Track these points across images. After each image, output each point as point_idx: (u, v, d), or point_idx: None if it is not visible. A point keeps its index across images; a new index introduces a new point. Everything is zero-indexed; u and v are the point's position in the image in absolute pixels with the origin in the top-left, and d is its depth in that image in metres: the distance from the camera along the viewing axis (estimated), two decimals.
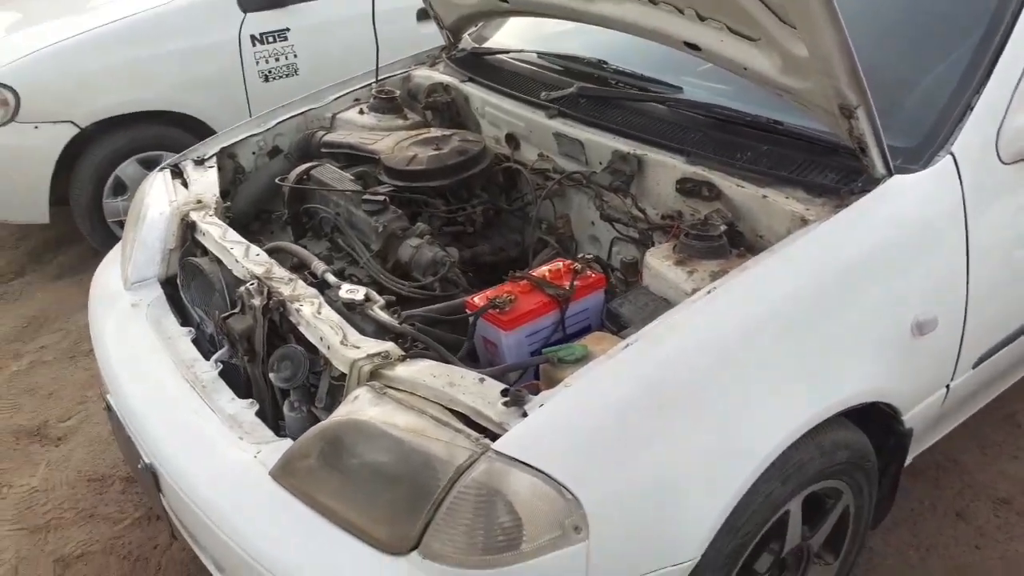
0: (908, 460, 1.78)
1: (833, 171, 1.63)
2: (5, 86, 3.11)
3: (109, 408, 1.73)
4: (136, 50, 3.28)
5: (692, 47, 1.73)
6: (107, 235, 3.41)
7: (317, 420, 1.55)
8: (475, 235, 2.09)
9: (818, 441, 1.48)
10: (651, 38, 1.84)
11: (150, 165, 3.35)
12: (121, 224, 3.38)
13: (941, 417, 1.84)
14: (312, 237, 2.09)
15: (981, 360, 1.80)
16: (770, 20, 1.47)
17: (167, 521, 1.63)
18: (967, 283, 1.65)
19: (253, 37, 3.46)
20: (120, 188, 3.37)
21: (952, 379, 1.74)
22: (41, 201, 3.29)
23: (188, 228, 1.96)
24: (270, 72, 3.53)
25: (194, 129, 3.44)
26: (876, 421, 1.62)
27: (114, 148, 3.32)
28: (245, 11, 3.43)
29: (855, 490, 1.67)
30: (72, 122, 3.20)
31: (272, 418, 1.62)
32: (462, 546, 1.19)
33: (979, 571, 2.00)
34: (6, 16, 3.78)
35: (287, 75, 3.57)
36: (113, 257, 2.18)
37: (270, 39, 3.50)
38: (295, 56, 3.57)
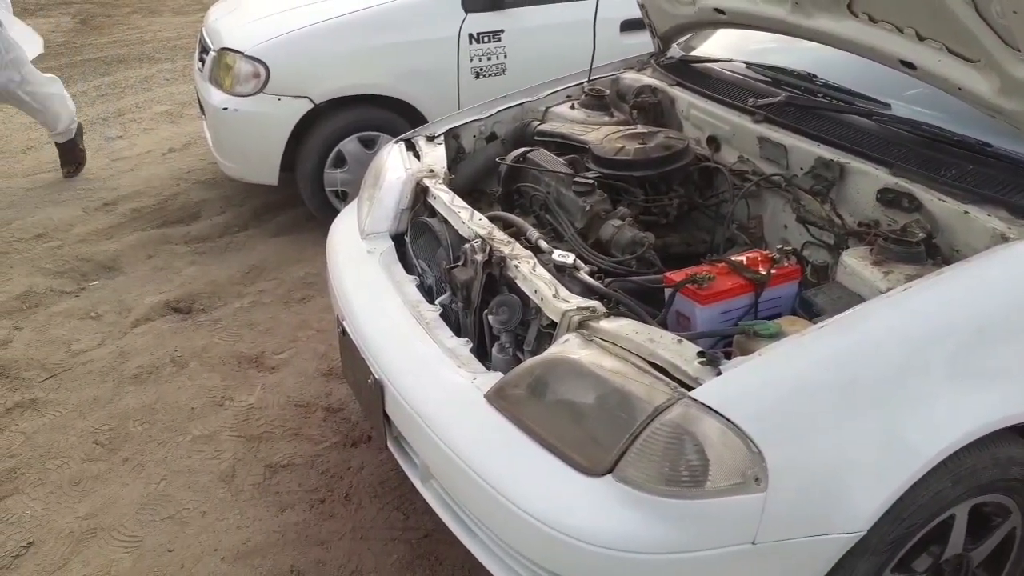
0: None
1: None
2: (259, 61, 3.58)
3: (344, 332, 2.03)
4: (369, 39, 3.66)
5: (908, 65, 1.82)
6: (324, 201, 3.83)
7: (521, 361, 1.77)
8: (667, 226, 2.25)
9: (994, 452, 1.53)
10: (866, 55, 1.94)
11: (368, 144, 3.76)
12: (336, 193, 3.81)
13: None
14: (520, 213, 2.32)
15: None
16: (993, 41, 1.55)
17: (381, 432, 1.90)
18: None
19: (471, 36, 3.78)
20: (340, 161, 3.76)
21: None
22: (274, 165, 3.74)
23: (421, 192, 2.25)
24: (481, 70, 3.84)
25: (408, 115, 3.80)
26: None
27: (340, 125, 3.71)
28: (467, 11, 3.75)
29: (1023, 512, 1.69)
30: (309, 98, 3.62)
31: (478, 358, 1.85)
32: (652, 475, 1.35)
33: None
34: (231, 1, 4.28)
35: (496, 74, 3.86)
36: (348, 212, 2.50)
37: (485, 39, 3.81)
38: (505, 57, 3.86)
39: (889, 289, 1.56)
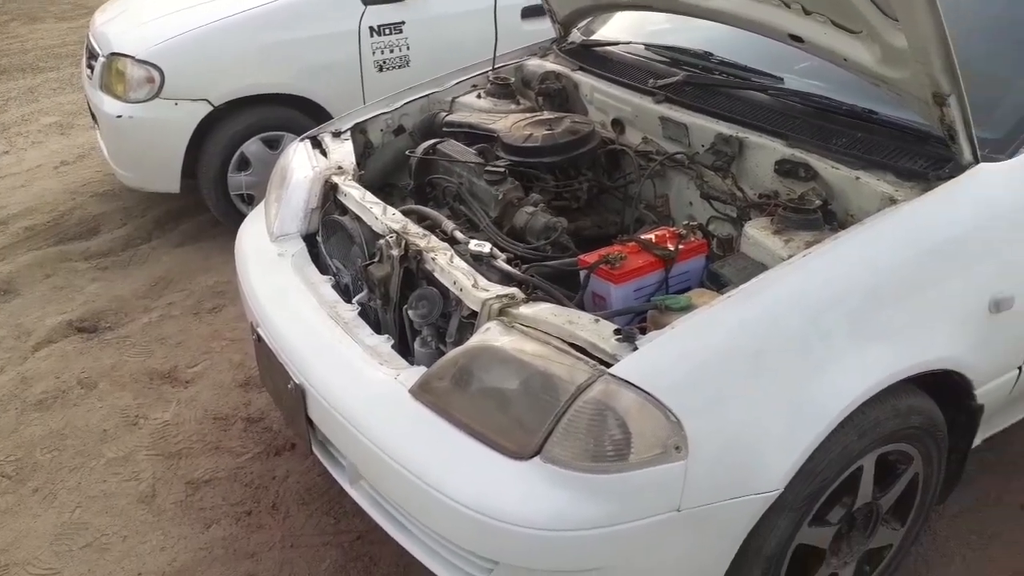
0: (977, 440, 1.89)
1: (922, 158, 1.77)
2: (153, 65, 3.45)
3: (259, 339, 1.98)
4: (268, 37, 3.56)
5: (796, 39, 1.89)
6: (229, 206, 3.72)
7: (444, 354, 1.76)
8: (578, 210, 2.28)
9: (894, 403, 1.62)
10: (757, 31, 2.01)
11: (272, 144, 3.67)
12: (242, 197, 3.71)
13: (1012, 400, 1.94)
14: (433, 205, 2.31)
15: None
16: (873, 13, 1.62)
17: (306, 438, 1.86)
18: None
19: (372, 29, 3.72)
20: (244, 164, 3.66)
21: None
22: (175, 172, 3.61)
23: (330, 190, 2.21)
24: (384, 63, 3.80)
25: (312, 112, 3.72)
26: (950, 399, 1.74)
27: (241, 127, 3.60)
28: (367, 4, 3.70)
29: (925, 458, 1.79)
30: (208, 100, 3.51)
31: (400, 353, 1.84)
32: (578, 453, 1.38)
33: None
34: (118, 4, 4.12)
35: (399, 66, 3.82)
36: (255, 215, 2.44)
37: (387, 31, 3.76)
38: (408, 48, 3.82)
39: (790, 256, 1.62)
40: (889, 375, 1.54)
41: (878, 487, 1.73)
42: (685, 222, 1.85)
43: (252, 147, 3.65)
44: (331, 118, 3.71)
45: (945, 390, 1.72)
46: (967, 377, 1.70)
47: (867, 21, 1.67)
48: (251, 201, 3.73)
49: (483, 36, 3.81)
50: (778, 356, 1.46)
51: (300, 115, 3.71)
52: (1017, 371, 1.84)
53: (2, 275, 3.55)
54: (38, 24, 8.18)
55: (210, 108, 3.52)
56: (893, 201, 1.69)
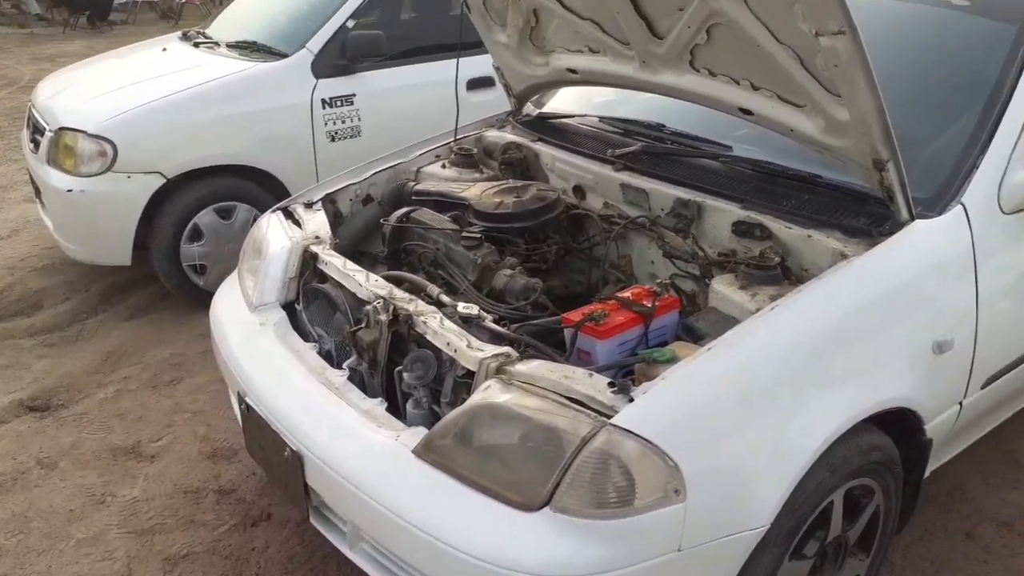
0: (927, 472, 2.06)
1: (864, 216, 1.96)
2: (105, 139, 3.46)
3: (249, 408, 2.01)
4: (220, 110, 3.64)
5: (745, 112, 2.09)
6: (181, 277, 3.72)
7: (438, 414, 1.84)
8: (547, 271, 2.41)
9: (857, 441, 1.77)
10: (709, 105, 2.20)
11: (225, 214, 3.70)
12: (194, 268, 3.71)
13: (955, 433, 2.14)
14: (408, 271, 2.39)
15: (989, 381, 2.11)
16: (817, 90, 1.82)
17: (303, 504, 1.89)
18: (976, 313, 1.97)
19: (324, 101, 3.84)
20: (196, 235, 3.68)
21: (965, 396, 2.05)
22: (126, 245, 3.60)
23: (309, 259, 2.27)
24: (336, 133, 3.90)
25: (264, 183, 3.79)
26: (902, 436, 1.90)
27: (194, 198, 3.64)
28: (318, 77, 3.82)
29: (885, 491, 1.95)
30: (161, 173, 3.53)
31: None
32: (586, 501, 1.47)
33: None
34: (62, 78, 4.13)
35: (351, 136, 3.94)
36: (227, 286, 2.47)
37: (338, 103, 3.88)
38: (359, 119, 3.95)
39: (758, 309, 1.77)
40: (855, 413, 1.69)
41: (846, 520, 1.87)
42: (659, 280, 1.99)
43: (205, 218, 3.68)
44: (283, 187, 3.81)
45: (898, 427, 1.89)
46: (918, 413, 1.88)
47: (811, 96, 1.87)
48: (203, 272, 3.74)
49: (430, 106, 3.98)
50: (759, 400, 1.60)
51: (253, 185, 3.77)
52: (958, 406, 2.03)
53: None
54: None
55: (163, 180, 3.55)
56: (844, 256, 1.87)
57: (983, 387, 2.09)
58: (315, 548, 2.35)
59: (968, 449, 2.33)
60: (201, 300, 3.74)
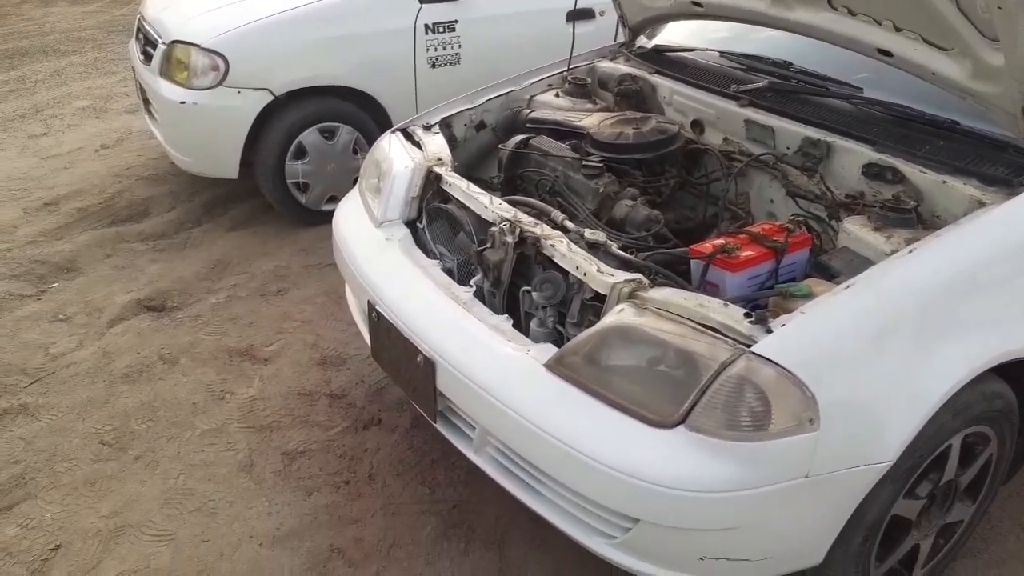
0: None
1: (1003, 165, 1.93)
2: (218, 53, 3.54)
3: (379, 317, 2.10)
4: (327, 31, 3.68)
5: (884, 53, 2.05)
6: (285, 193, 3.83)
7: (562, 334, 1.91)
8: (660, 205, 2.43)
9: (982, 388, 1.78)
10: (843, 45, 2.17)
11: (328, 135, 3.79)
12: (297, 185, 3.82)
13: None
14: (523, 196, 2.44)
15: None
16: (971, 33, 1.79)
17: (432, 408, 1.98)
18: None
19: (427, 26, 3.85)
20: (300, 153, 3.77)
21: None
22: (234, 159, 3.71)
23: (433, 180, 2.34)
24: (436, 59, 3.92)
25: (365, 105, 3.85)
26: (1021, 388, 1.90)
27: (300, 117, 3.72)
28: (422, 2, 3.82)
29: (1000, 440, 1.96)
30: (269, 90, 3.61)
31: None
32: (722, 423, 1.52)
33: None
34: None
35: (451, 63, 3.96)
36: (348, 202, 2.55)
37: (440, 29, 3.89)
38: (459, 47, 3.95)
39: (893, 251, 1.78)
40: (985, 361, 1.70)
41: (960, 465, 1.90)
42: (791, 216, 2.00)
43: (309, 137, 3.76)
44: (384, 111, 3.87)
45: (1021, 378, 1.89)
46: None
47: (962, 39, 1.83)
48: (306, 189, 3.85)
49: (529, 37, 4.01)
50: (894, 341, 1.62)
51: (355, 107, 3.83)
52: None
53: (64, 254, 3.63)
54: (51, 7, 8.19)
55: (271, 97, 3.63)
56: (981, 204, 1.85)
57: None
58: (424, 453, 2.48)
59: None
60: (302, 217, 3.89)
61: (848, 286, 1.64)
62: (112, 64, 6.39)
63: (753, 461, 1.53)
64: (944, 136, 2.06)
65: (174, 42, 3.67)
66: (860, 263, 1.80)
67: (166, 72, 3.71)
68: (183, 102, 3.60)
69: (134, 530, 2.23)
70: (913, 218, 1.90)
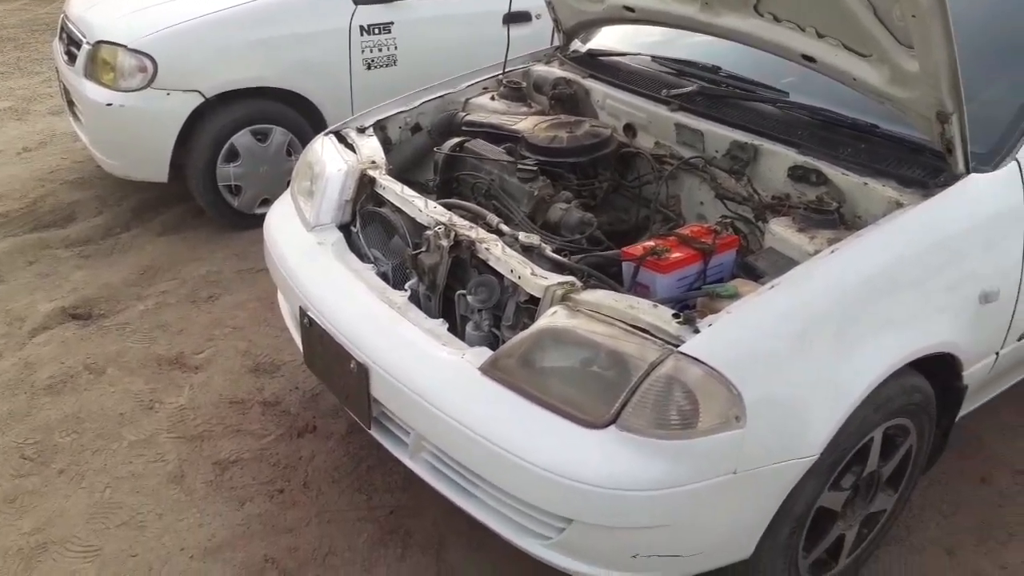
0: (958, 416, 2.15)
1: (919, 167, 2.01)
2: (146, 55, 3.45)
3: (311, 323, 2.07)
4: (260, 32, 3.61)
5: (808, 59, 2.11)
6: (217, 197, 3.75)
7: (497, 337, 1.91)
8: (594, 208, 2.45)
9: (901, 383, 1.85)
10: (769, 50, 2.22)
11: (261, 137, 3.72)
12: (229, 188, 3.74)
13: (988, 382, 2.22)
14: (459, 200, 2.43)
15: None
16: (888, 40, 1.85)
17: (366, 415, 1.96)
18: (1022, 267, 2.03)
19: (362, 28, 3.82)
20: (232, 155, 3.69)
21: (1002, 347, 2.12)
22: (164, 162, 3.62)
23: (367, 183, 2.31)
24: (372, 61, 3.89)
25: (300, 107, 3.80)
26: (938, 381, 1.97)
27: (231, 119, 3.65)
28: (357, 3, 3.79)
29: (919, 432, 2.03)
30: (199, 92, 3.53)
31: None
32: (651, 422, 1.55)
33: (1001, 524, 2.36)
34: None
35: (387, 65, 3.93)
36: (280, 205, 2.51)
37: (376, 31, 3.86)
38: (395, 48, 3.93)
39: (816, 251, 1.83)
40: (904, 356, 1.77)
41: (882, 457, 1.96)
42: (719, 218, 2.04)
43: (242, 139, 3.69)
44: (319, 112, 3.83)
45: (936, 371, 1.97)
46: (959, 359, 1.95)
47: (880, 46, 1.89)
48: (238, 192, 3.78)
49: (467, 38, 3.99)
50: (817, 338, 1.67)
51: (289, 109, 3.78)
52: (995, 355, 2.11)
53: None
54: None
55: (201, 99, 3.55)
56: (899, 205, 1.92)
57: (1020, 339, 2.16)
58: (360, 459, 2.45)
59: (985, 403, 2.42)
60: (235, 220, 3.82)
61: (773, 286, 1.69)
62: (35, 64, 6.17)
63: (682, 459, 1.55)
64: (865, 139, 2.13)
65: (99, 42, 3.56)
66: (785, 263, 1.85)
67: (91, 73, 3.60)
68: (109, 104, 3.50)
69: (58, 547, 2.15)
70: (835, 219, 1.95)
